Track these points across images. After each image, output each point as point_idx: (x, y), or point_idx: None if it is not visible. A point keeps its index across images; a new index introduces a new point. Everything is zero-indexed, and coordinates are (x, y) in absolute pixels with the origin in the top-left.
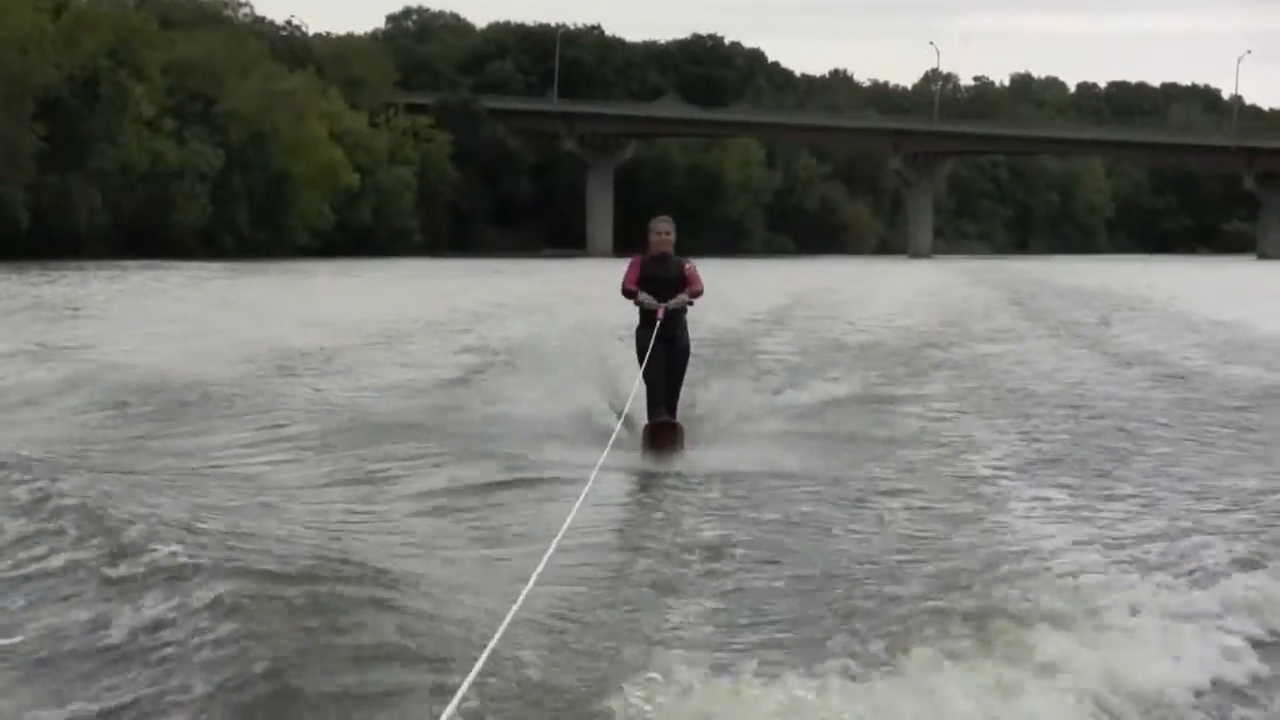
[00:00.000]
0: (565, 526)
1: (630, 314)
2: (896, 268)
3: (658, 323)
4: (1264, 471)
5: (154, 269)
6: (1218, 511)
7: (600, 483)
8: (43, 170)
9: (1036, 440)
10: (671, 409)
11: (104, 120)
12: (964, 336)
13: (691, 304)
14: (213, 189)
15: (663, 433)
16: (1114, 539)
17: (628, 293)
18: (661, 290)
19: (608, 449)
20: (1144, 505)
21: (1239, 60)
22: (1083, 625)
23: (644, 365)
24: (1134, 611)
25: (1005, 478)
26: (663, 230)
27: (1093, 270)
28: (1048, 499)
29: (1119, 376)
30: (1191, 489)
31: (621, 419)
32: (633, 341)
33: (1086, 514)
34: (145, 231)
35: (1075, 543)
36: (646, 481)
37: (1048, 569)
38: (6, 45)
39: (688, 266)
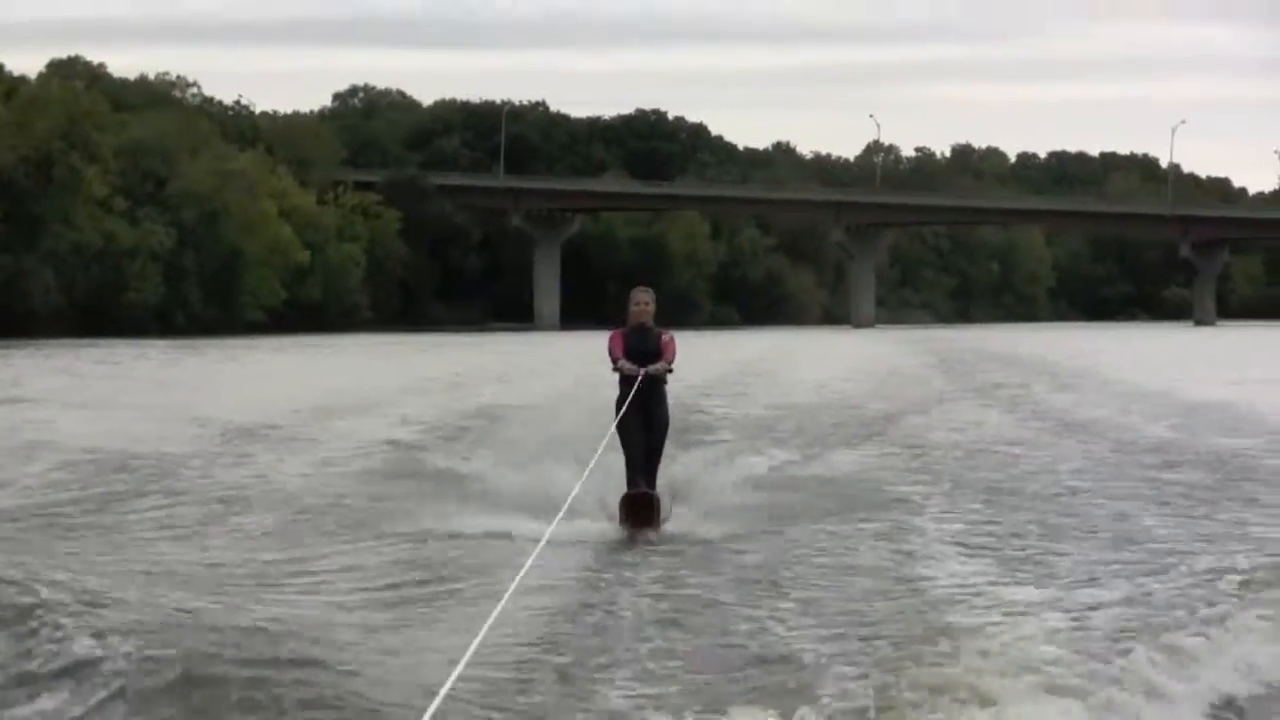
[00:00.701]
0: (502, 603)
1: (610, 389)
2: (836, 338)
3: (634, 390)
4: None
5: (103, 347)
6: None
7: (550, 554)
8: None
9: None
10: (650, 480)
11: (57, 201)
12: (886, 401)
13: (671, 371)
14: (165, 268)
15: (640, 503)
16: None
17: (613, 359)
18: (641, 363)
19: (558, 518)
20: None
21: (1173, 130)
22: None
23: (622, 435)
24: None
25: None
26: (642, 300)
27: (1028, 338)
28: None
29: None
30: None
31: (577, 486)
32: (612, 412)
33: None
34: (99, 310)
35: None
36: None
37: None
38: None
39: (665, 338)
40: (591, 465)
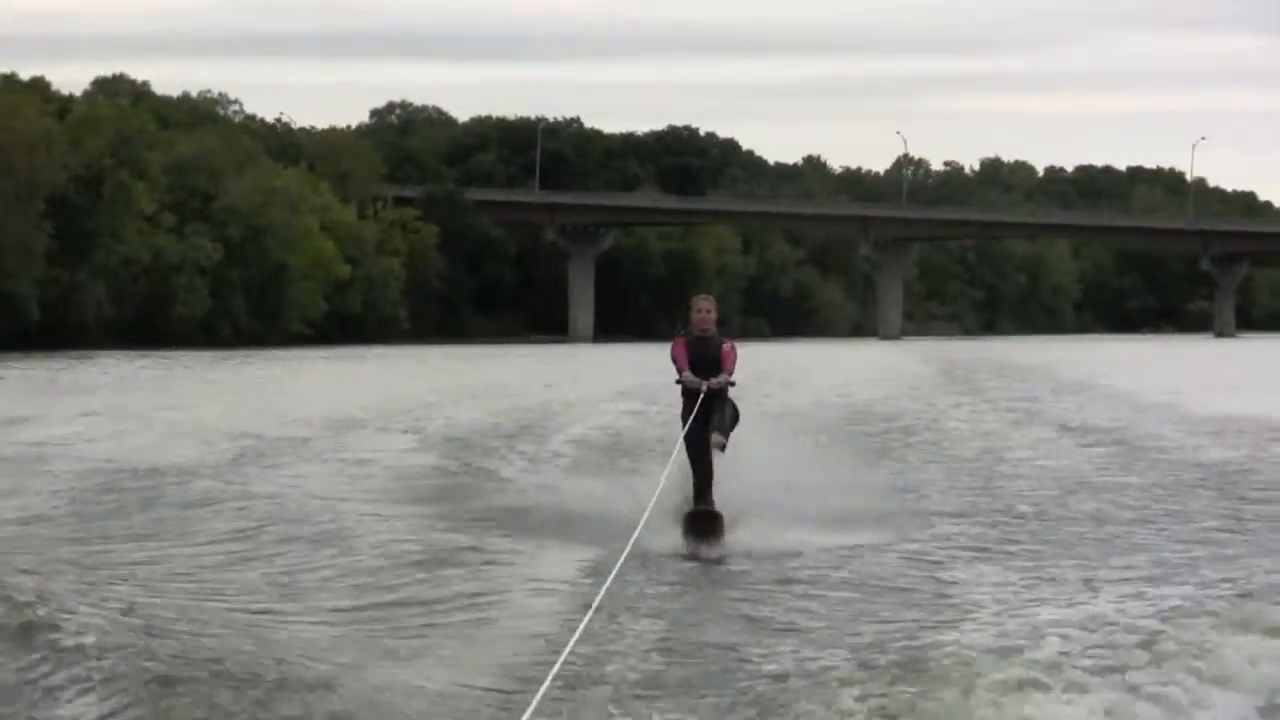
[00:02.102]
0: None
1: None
2: (860, 349)
3: (698, 404)
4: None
5: (151, 358)
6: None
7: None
8: (51, 265)
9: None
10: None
11: (108, 217)
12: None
13: (733, 384)
14: (211, 281)
15: (706, 520)
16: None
17: (677, 368)
18: (705, 372)
19: (634, 537)
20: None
21: (1193, 146)
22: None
23: (690, 451)
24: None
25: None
26: (704, 308)
27: (1046, 350)
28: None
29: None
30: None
31: (649, 506)
32: (678, 425)
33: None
34: (148, 322)
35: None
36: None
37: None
38: (16, 148)
39: (725, 347)
40: (661, 485)
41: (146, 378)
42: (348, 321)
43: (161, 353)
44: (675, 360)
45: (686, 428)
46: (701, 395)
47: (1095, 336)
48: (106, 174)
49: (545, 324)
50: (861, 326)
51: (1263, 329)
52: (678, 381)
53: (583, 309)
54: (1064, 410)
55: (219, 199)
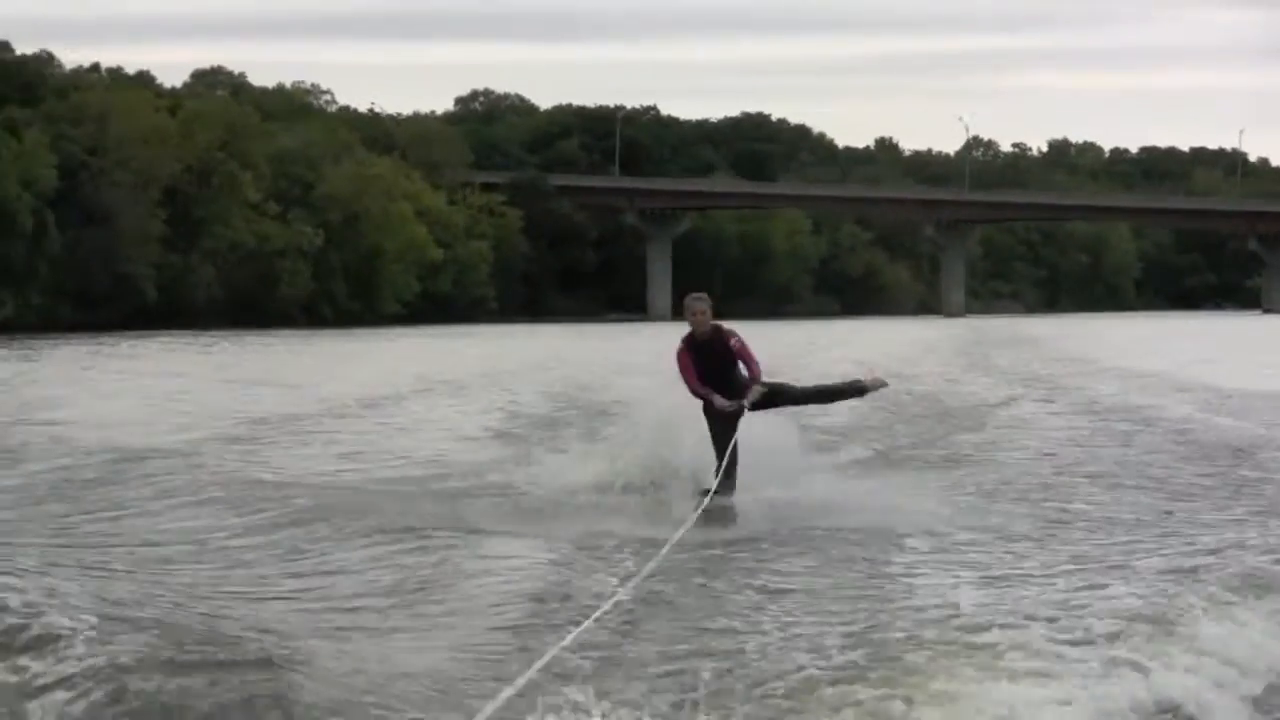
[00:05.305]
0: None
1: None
2: (912, 326)
3: (733, 434)
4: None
5: (264, 337)
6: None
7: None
8: (165, 251)
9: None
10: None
11: (217, 205)
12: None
13: (766, 386)
14: (313, 265)
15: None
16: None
17: (696, 394)
18: (720, 374)
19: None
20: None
21: (1241, 132)
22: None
23: (719, 453)
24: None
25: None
26: (698, 310)
27: (1075, 325)
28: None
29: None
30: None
31: (708, 495)
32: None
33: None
34: (253, 304)
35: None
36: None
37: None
38: (135, 142)
39: (734, 342)
40: (703, 507)
41: (261, 353)
42: (439, 301)
43: (268, 331)
44: (686, 380)
45: (718, 436)
46: (740, 418)
47: (1153, 314)
48: (215, 165)
49: (624, 303)
50: (927, 304)
51: None
52: (694, 394)
53: (660, 289)
54: (1032, 372)
55: (319, 187)
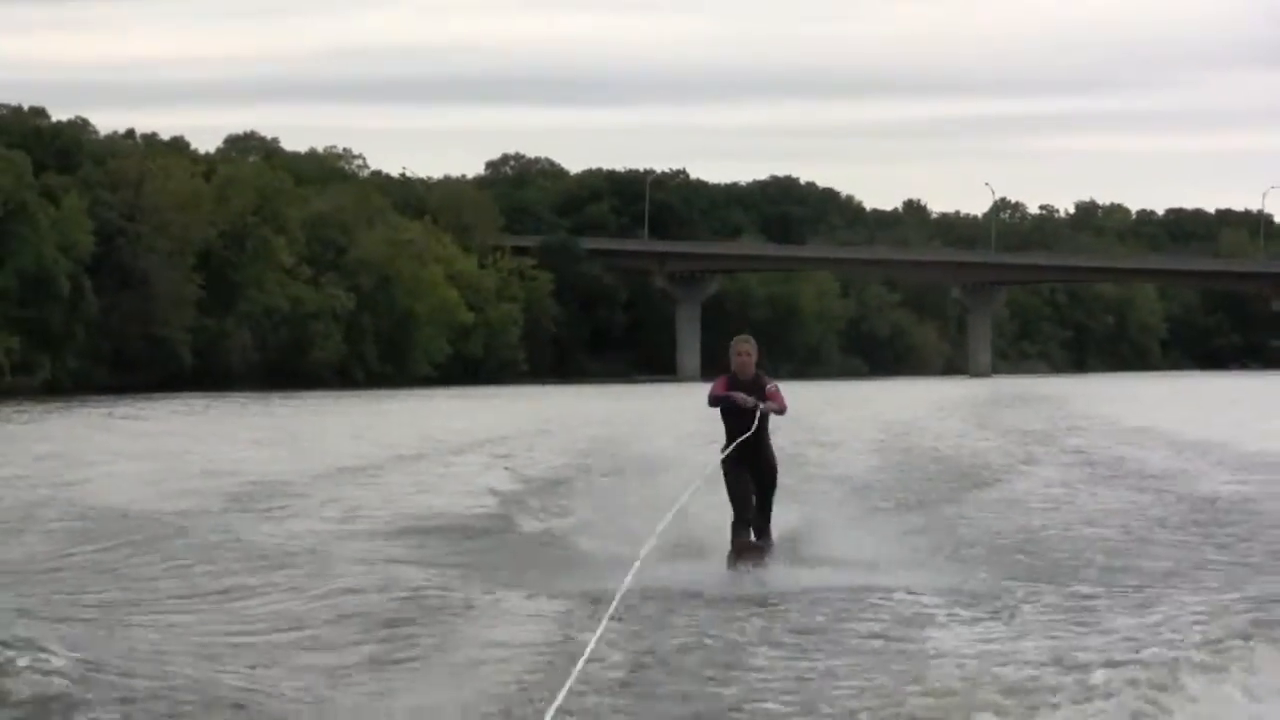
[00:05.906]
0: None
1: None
2: (937, 386)
3: (748, 432)
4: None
5: (294, 399)
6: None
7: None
8: (201, 314)
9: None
10: (760, 530)
11: (251, 269)
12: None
13: (783, 412)
14: (345, 328)
15: (749, 552)
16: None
17: (717, 399)
18: (747, 419)
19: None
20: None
21: (1264, 195)
22: None
23: (729, 478)
24: None
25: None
26: (744, 351)
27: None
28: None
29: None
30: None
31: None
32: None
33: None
34: (287, 366)
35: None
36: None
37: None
38: (170, 207)
39: (770, 388)
40: (682, 505)
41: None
42: (470, 364)
43: (300, 393)
44: (712, 390)
45: (728, 450)
46: (755, 418)
47: (1179, 374)
48: (249, 230)
49: (653, 365)
50: (954, 365)
51: None
52: (714, 403)
53: (689, 350)
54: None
55: (351, 251)
